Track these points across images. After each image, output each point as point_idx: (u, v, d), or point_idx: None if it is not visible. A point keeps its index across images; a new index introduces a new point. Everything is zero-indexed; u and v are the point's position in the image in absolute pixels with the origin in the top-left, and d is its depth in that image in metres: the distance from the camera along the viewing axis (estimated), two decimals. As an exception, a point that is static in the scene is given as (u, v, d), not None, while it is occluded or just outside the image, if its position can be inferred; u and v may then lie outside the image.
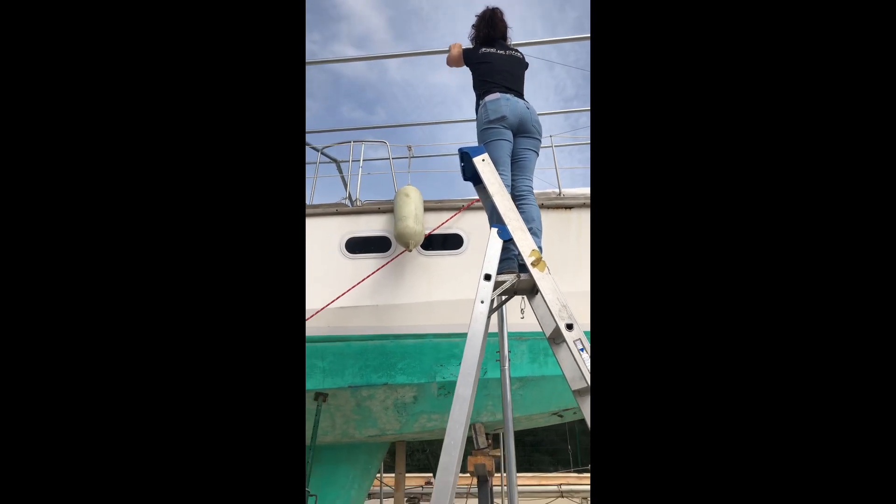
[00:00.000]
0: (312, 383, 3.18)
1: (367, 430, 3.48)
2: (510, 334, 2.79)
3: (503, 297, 1.98)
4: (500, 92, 2.26)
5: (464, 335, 3.30)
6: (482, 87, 2.35)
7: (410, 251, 3.17)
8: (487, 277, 1.75)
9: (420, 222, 3.15)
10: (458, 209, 3.41)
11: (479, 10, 2.62)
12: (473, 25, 2.59)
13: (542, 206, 2.81)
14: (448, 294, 3.30)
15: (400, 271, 3.31)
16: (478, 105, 2.35)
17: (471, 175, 2.10)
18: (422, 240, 3.16)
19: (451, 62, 2.66)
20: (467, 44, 2.68)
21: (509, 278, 1.85)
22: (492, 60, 2.40)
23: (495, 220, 1.92)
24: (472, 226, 3.41)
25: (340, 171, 4.96)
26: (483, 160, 1.94)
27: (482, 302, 1.72)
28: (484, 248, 3.31)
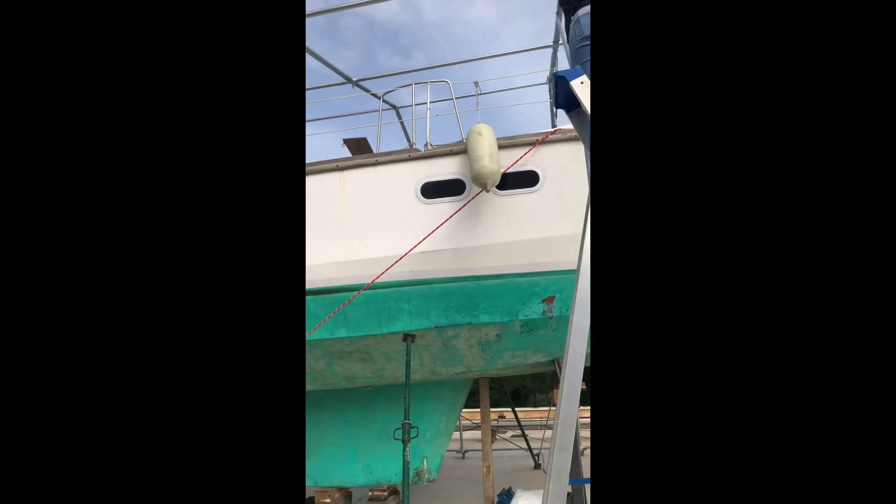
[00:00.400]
0: (400, 325, 3.30)
1: (453, 368, 3.62)
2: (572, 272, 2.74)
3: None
4: None
5: (543, 273, 3.28)
6: (572, 2, 2.15)
7: (488, 191, 3.11)
8: (596, 207, 1.69)
9: (496, 161, 3.07)
10: (532, 144, 3.28)
11: None
12: None
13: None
14: (526, 233, 3.25)
15: (476, 213, 3.28)
16: (568, 22, 2.17)
17: (564, 101, 1.98)
18: (498, 179, 3.09)
19: None
20: None
21: (618, 207, 1.77)
22: None
23: (598, 146, 1.81)
24: (547, 161, 3.29)
25: (400, 118, 4.89)
26: (582, 83, 1.81)
27: (592, 233, 1.66)
28: (561, 182, 3.23)
